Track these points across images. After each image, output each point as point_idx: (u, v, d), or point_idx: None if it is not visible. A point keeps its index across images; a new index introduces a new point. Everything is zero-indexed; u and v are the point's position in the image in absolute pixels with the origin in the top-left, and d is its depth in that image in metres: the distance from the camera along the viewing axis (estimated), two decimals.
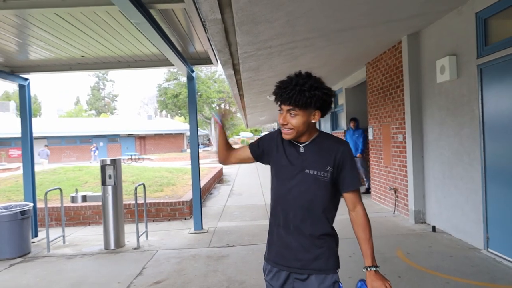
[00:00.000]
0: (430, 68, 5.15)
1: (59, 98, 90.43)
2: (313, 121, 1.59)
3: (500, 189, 3.84)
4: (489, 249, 4.02)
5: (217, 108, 1.91)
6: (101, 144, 33.98)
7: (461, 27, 4.39)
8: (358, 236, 1.62)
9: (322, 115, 1.62)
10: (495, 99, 3.87)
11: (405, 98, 5.69)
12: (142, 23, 3.40)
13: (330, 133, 10.85)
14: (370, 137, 7.40)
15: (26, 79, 6.08)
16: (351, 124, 8.34)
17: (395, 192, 6.24)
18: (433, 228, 5.07)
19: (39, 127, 27.52)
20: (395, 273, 3.64)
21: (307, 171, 1.59)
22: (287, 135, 1.60)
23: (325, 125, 11.56)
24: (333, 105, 1.73)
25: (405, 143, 5.77)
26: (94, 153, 28.86)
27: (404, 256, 4.12)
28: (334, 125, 10.81)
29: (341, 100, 9.92)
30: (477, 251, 4.13)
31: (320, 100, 1.53)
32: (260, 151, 1.76)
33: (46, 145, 24.77)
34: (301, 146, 1.64)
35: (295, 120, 1.55)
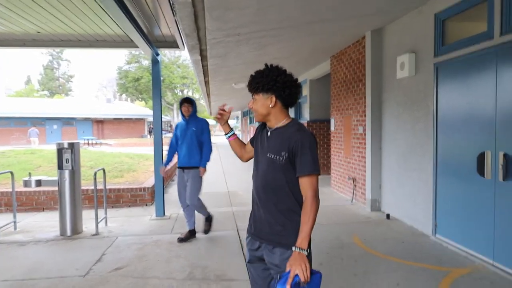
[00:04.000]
0: (391, 64, 5.38)
1: (7, 76, 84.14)
2: (271, 105, 1.78)
3: (449, 180, 4.14)
4: (437, 235, 4.34)
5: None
6: (55, 127, 32.16)
7: (421, 26, 4.62)
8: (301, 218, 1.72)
9: (285, 102, 1.80)
10: (448, 96, 4.14)
11: (366, 91, 5.91)
12: (107, 1, 3.26)
13: None
14: (332, 128, 7.63)
15: None
16: (183, 109, 4.51)
17: (353, 182, 6.51)
18: (388, 216, 5.37)
19: None
20: (351, 258, 3.83)
21: (268, 154, 1.79)
22: (255, 117, 1.87)
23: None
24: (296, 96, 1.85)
25: (365, 135, 6.02)
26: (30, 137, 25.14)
27: (360, 242, 4.34)
28: (298, 115, 11.00)
29: (305, 91, 10.10)
30: (426, 237, 4.45)
31: (267, 84, 1.74)
32: (254, 141, 1.99)
33: (34, 125, 26.62)
34: (269, 131, 1.84)
35: (256, 104, 1.82)
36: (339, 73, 7.17)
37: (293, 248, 1.63)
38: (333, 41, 6.41)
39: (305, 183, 1.72)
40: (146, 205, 6.62)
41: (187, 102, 4.59)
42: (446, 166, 4.19)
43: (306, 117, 10.16)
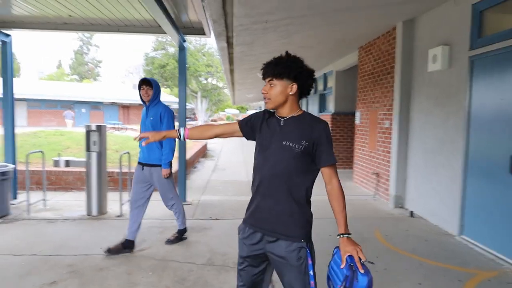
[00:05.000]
0: (422, 57, 5.19)
1: (40, 60, 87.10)
2: (291, 93, 1.74)
3: (479, 179, 3.98)
4: (463, 236, 4.21)
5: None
6: (83, 110, 33.12)
7: (457, 17, 4.41)
8: (333, 207, 1.75)
9: (302, 92, 1.78)
10: (483, 91, 3.95)
11: (395, 84, 5.73)
12: None
13: (316, 115, 10.90)
14: (357, 121, 7.48)
15: (8, 35, 5.81)
16: (142, 93, 3.76)
17: (377, 177, 6.39)
18: (411, 213, 5.25)
19: (18, 89, 26.48)
20: (373, 253, 3.77)
21: (284, 142, 1.73)
22: (267, 104, 1.79)
23: (313, 108, 11.60)
24: (313, 86, 1.86)
25: (391, 129, 5.86)
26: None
27: (382, 238, 4.27)
28: (322, 107, 10.84)
29: (331, 82, 9.93)
30: (451, 237, 4.32)
31: (294, 71, 1.71)
32: (248, 127, 1.92)
33: (70, 107, 29.50)
34: (282, 120, 1.79)
35: (273, 90, 1.74)
36: (367, 65, 6.98)
37: (341, 235, 1.68)
38: (362, 32, 6.23)
39: (330, 172, 1.76)
40: None
41: (146, 83, 3.69)
42: (477, 165, 4.02)
43: (330, 109, 10.01)
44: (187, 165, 6.99)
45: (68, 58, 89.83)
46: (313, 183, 1.81)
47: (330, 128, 1.78)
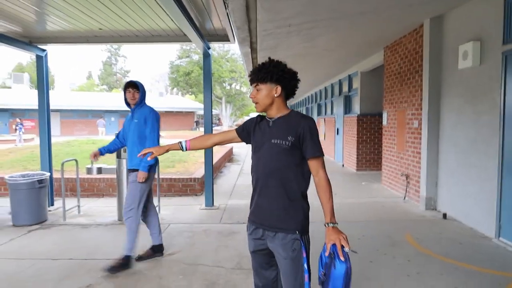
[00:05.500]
0: (452, 54, 5.03)
1: (71, 72, 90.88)
2: (276, 95, 1.87)
3: None
4: (501, 238, 4.02)
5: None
6: (112, 119, 34.25)
7: (488, 11, 4.25)
8: (320, 198, 1.85)
9: (287, 93, 1.92)
10: None
11: (423, 83, 5.58)
12: None
13: (342, 117, 10.76)
14: (384, 122, 7.33)
15: (44, 50, 6.12)
16: (128, 96, 3.60)
17: (406, 178, 6.22)
18: (444, 215, 5.07)
19: (52, 100, 27.70)
20: (404, 257, 3.67)
21: (273, 140, 1.86)
22: (256, 107, 1.93)
23: (338, 110, 11.47)
24: (297, 86, 1.98)
25: (420, 129, 5.70)
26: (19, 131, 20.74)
27: (413, 241, 4.15)
28: (347, 109, 10.70)
29: (356, 83, 9.79)
30: (487, 240, 4.14)
31: (275, 74, 1.84)
32: (245, 131, 2.08)
33: (102, 116, 31.03)
34: (271, 121, 1.92)
35: (260, 94, 1.89)
36: (393, 65, 6.84)
37: (326, 224, 1.76)
38: (387, 31, 6.12)
39: (316, 164, 1.85)
40: (196, 195, 6.84)
41: (132, 86, 3.56)
42: None
43: (356, 110, 9.86)
44: (213, 170, 7.08)
45: (97, 69, 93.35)
46: (308, 178, 1.90)
47: (315, 124, 1.91)
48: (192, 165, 8.77)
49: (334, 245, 1.69)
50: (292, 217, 1.83)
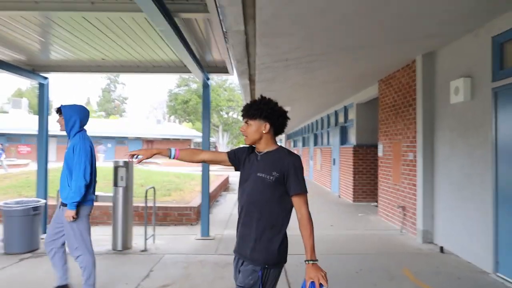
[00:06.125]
0: (443, 89, 5.19)
1: (70, 98, 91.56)
2: (264, 131, 1.97)
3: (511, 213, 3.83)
4: (498, 274, 3.99)
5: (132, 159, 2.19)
6: (109, 145, 34.24)
7: (477, 50, 4.44)
8: (301, 234, 1.91)
9: (276, 130, 2.02)
10: (510, 122, 3.89)
11: (417, 116, 5.71)
12: (166, 30, 3.51)
13: (338, 147, 10.83)
14: (380, 153, 7.42)
15: (46, 78, 6.23)
16: (59, 122, 3.47)
17: (403, 210, 6.22)
18: (441, 248, 5.04)
19: (50, 126, 27.83)
20: None
21: (258, 174, 1.96)
22: (245, 140, 2.05)
23: (334, 140, 11.59)
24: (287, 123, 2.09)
25: (415, 161, 5.78)
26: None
27: (412, 275, 4.11)
28: (343, 139, 10.82)
29: (352, 115, 9.96)
30: (485, 275, 4.11)
31: (265, 112, 1.95)
32: (236, 158, 2.16)
33: (101, 143, 31.19)
34: (259, 155, 2.02)
35: (249, 128, 2.00)
36: (388, 98, 7.01)
37: (306, 261, 1.81)
38: (381, 65, 6.33)
39: (299, 201, 1.92)
40: (192, 224, 6.77)
41: (57, 111, 3.28)
42: (509, 197, 3.88)
43: (352, 141, 9.97)
44: (210, 199, 7.04)
45: (96, 95, 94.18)
46: (289, 212, 1.98)
47: (301, 161, 2.00)
48: (188, 194, 8.72)
49: (313, 282, 1.73)
50: (264, 248, 1.90)
